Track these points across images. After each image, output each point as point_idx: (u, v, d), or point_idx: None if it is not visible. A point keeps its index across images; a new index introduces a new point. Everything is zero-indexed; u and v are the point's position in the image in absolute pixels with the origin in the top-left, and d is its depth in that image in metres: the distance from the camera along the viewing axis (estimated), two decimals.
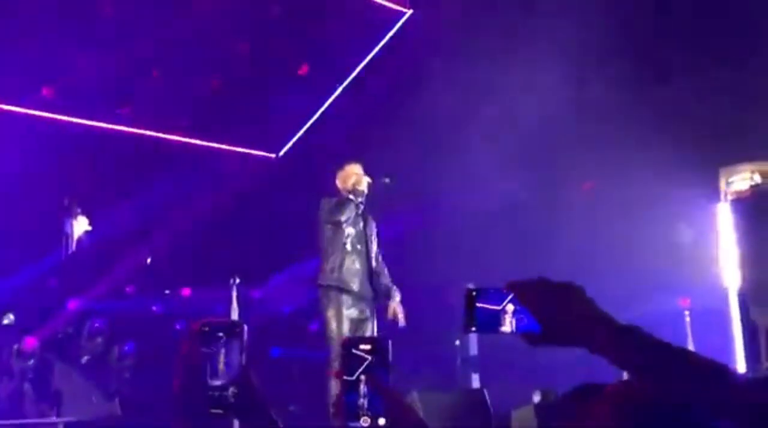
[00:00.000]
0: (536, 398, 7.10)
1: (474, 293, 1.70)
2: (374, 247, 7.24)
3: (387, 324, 7.18)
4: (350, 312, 7.00)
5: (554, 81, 9.56)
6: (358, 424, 1.43)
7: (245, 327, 1.77)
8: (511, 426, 6.69)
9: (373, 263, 7.19)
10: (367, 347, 1.46)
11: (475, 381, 9.17)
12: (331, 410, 6.67)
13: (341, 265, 7.06)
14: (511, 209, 9.78)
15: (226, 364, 1.73)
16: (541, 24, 9.79)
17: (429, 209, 10.29)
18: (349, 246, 7.09)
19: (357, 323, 7.06)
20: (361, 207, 7.20)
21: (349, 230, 7.10)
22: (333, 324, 6.96)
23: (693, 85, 9.35)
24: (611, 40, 9.55)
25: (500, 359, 8.59)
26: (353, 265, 7.08)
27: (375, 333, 7.04)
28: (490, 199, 9.88)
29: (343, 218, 7.05)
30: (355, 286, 7.04)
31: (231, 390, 1.71)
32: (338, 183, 7.25)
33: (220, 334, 1.73)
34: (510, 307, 1.70)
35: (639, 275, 9.08)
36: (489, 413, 7.00)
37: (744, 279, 9.27)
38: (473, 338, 9.42)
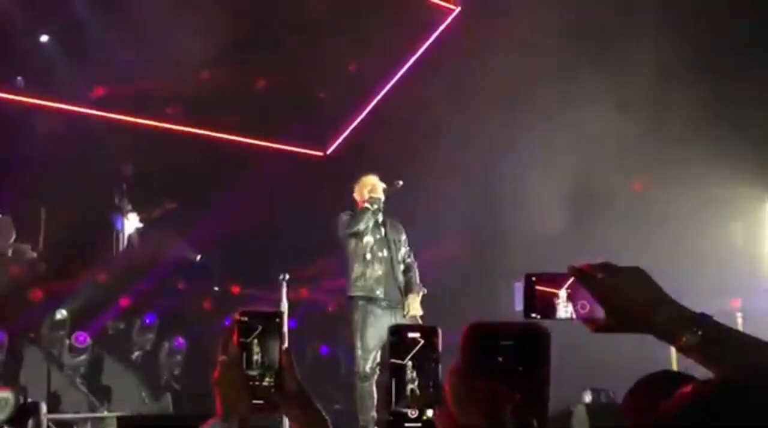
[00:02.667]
0: (587, 398, 7.05)
1: (533, 278, 1.66)
2: (400, 252, 7.24)
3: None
4: (381, 321, 6.97)
5: (604, 75, 9.47)
6: (404, 412, 1.40)
7: (285, 318, 1.76)
8: (571, 424, 6.63)
9: (400, 267, 7.19)
10: (416, 334, 1.44)
11: None
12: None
13: (363, 274, 7.07)
14: (560, 209, 9.71)
15: (263, 354, 1.71)
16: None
17: (479, 196, 10.22)
18: (369, 255, 7.10)
19: (385, 330, 7.01)
20: (380, 214, 7.20)
21: (368, 239, 7.12)
22: (360, 333, 6.98)
23: (749, 84, 9.21)
24: (669, 34, 9.44)
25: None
26: (375, 273, 7.08)
27: None
28: (542, 183, 9.80)
29: (361, 227, 7.08)
30: (380, 293, 7.04)
31: (267, 380, 1.70)
32: (355, 195, 7.32)
33: (259, 325, 1.71)
34: (571, 291, 1.64)
35: (690, 276, 8.96)
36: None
37: None
38: None
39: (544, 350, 1.22)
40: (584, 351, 5.56)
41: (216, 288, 10.93)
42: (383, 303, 7.04)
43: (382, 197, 7.20)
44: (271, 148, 12.03)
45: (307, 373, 9.84)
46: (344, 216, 7.23)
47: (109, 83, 10.78)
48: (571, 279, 1.65)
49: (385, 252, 7.14)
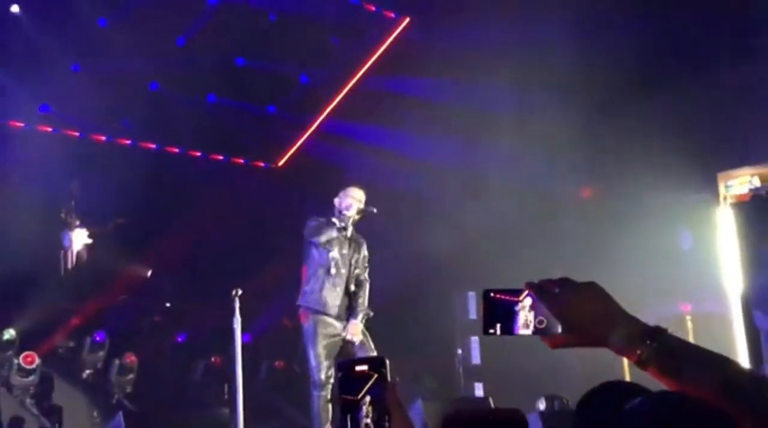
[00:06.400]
0: (541, 405, 7.09)
1: (492, 293, 1.67)
2: (356, 271, 7.17)
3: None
4: (332, 329, 6.96)
5: (550, 81, 9.56)
6: None
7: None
8: None
9: (351, 287, 7.14)
10: (364, 367, 1.41)
11: (479, 390, 9.16)
12: None
13: (321, 288, 7.01)
14: (510, 219, 9.77)
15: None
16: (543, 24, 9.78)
17: (431, 220, 10.28)
18: (333, 270, 7.02)
19: (339, 345, 7.01)
20: (350, 230, 7.13)
21: (334, 253, 7.03)
22: (312, 342, 6.94)
23: (691, 92, 9.36)
24: (611, 46, 9.56)
25: (504, 367, 8.60)
26: (334, 289, 7.02)
27: (374, 351, 7.02)
28: (486, 200, 9.88)
29: (322, 239, 7.01)
30: (333, 310, 6.99)
31: None
32: (335, 200, 7.23)
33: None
34: (529, 306, 1.66)
35: (640, 282, 9.06)
36: None
37: (745, 283, 9.28)
38: (475, 346, 9.41)
39: None
40: (538, 358, 5.59)
41: (168, 305, 10.81)
42: (335, 319, 7.01)
43: (356, 216, 7.13)
44: (222, 161, 11.97)
45: (262, 388, 9.80)
46: (313, 222, 7.10)
47: (55, 97, 10.62)
48: (529, 295, 1.66)
49: (344, 270, 7.10)
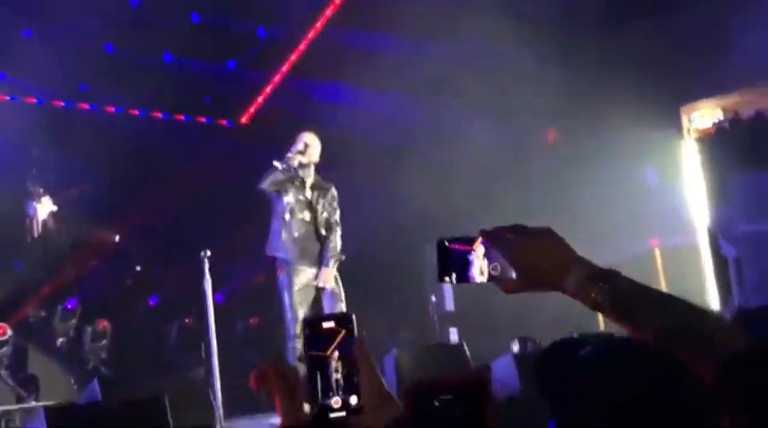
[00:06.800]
0: (515, 348, 7.16)
1: (446, 242, 1.67)
2: (324, 215, 7.15)
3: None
4: (302, 283, 6.95)
5: (510, 29, 9.50)
6: (329, 403, 1.38)
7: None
8: (492, 378, 6.73)
9: (322, 231, 7.12)
10: (331, 324, 1.40)
11: (453, 335, 9.23)
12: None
13: (279, 234, 7.01)
14: (476, 161, 9.76)
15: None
16: None
17: (396, 170, 10.26)
18: (287, 215, 7.01)
19: (311, 288, 7.00)
20: (305, 173, 7.09)
21: (288, 199, 7.02)
22: (286, 292, 6.94)
23: (653, 25, 9.34)
24: None
25: (477, 312, 8.66)
26: (292, 234, 7.00)
27: (341, 293, 7.04)
28: (456, 152, 9.87)
29: (266, 185, 7.01)
30: (292, 256, 6.97)
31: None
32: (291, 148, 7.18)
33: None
34: (483, 254, 1.67)
35: (608, 219, 9.13)
36: (469, 367, 7.05)
37: (711, 214, 9.41)
38: (448, 293, 9.47)
39: (485, 399, 1.19)
40: (512, 302, 5.63)
41: (138, 269, 10.74)
42: (302, 265, 6.98)
43: (303, 160, 7.08)
44: (186, 121, 11.84)
45: (238, 346, 9.80)
46: (270, 170, 7.09)
47: (8, 64, 10.42)
48: (483, 242, 1.67)
49: (307, 215, 7.06)
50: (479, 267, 1.66)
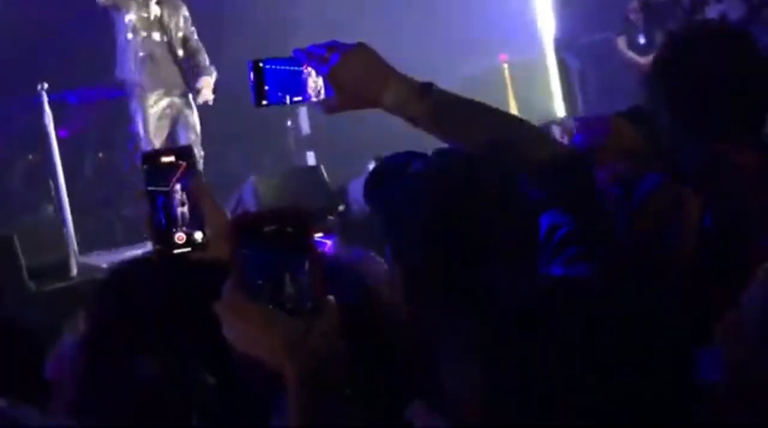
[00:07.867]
0: (371, 167, 7.23)
1: (261, 63, 1.60)
2: (180, 34, 6.73)
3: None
4: (157, 110, 6.63)
5: None
6: (173, 239, 1.35)
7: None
8: (348, 198, 6.83)
9: (180, 52, 6.76)
10: (171, 157, 1.35)
11: (311, 159, 9.24)
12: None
13: (125, 57, 6.58)
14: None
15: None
16: None
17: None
18: (130, 35, 6.55)
19: (166, 117, 6.72)
20: None
21: (130, 16, 6.52)
22: (141, 117, 6.60)
23: None
24: None
25: (333, 135, 8.64)
26: (139, 54, 6.56)
27: (197, 124, 6.80)
28: None
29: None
30: (145, 79, 6.58)
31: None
32: None
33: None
34: (300, 74, 1.61)
35: (457, 36, 9.13)
36: (327, 188, 7.11)
37: (556, 26, 9.62)
38: (304, 117, 9.40)
39: (308, 230, 1.14)
40: (368, 124, 5.62)
41: None
42: (155, 89, 6.61)
43: None
44: None
45: (89, 181, 9.52)
46: None
47: None
48: (301, 62, 1.62)
49: (157, 36, 6.63)
50: (297, 87, 1.61)
